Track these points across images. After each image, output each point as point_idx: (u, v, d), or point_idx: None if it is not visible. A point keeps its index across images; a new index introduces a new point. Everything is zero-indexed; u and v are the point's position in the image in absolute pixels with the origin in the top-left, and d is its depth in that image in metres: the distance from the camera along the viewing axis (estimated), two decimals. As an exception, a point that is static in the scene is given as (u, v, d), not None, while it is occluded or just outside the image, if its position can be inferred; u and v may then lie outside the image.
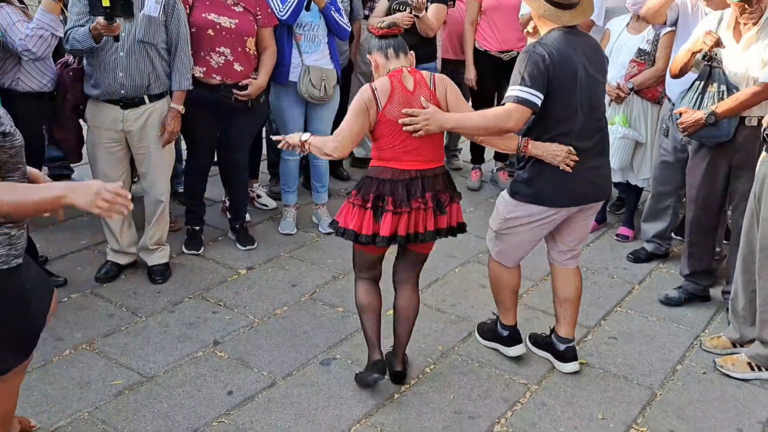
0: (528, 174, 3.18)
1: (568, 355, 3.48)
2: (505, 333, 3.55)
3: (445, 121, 3.04)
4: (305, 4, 4.42)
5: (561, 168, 3.08)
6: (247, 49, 4.23)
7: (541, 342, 3.61)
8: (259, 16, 4.24)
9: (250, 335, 3.70)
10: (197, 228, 4.55)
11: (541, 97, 2.97)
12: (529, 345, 3.63)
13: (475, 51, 5.44)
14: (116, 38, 3.64)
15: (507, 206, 3.29)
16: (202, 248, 4.52)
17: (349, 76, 5.58)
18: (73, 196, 2.01)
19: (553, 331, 3.56)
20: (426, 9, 5.01)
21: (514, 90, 2.99)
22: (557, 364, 3.50)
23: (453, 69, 5.70)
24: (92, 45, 3.63)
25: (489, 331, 3.64)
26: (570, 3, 3.03)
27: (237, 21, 4.15)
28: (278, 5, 4.36)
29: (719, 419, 3.23)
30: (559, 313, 3.51)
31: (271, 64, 4.37)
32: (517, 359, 3.53)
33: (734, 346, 3.68)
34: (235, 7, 4.16)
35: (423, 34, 5.14)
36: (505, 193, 3.32)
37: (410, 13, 5.07)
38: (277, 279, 4.25)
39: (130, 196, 2.05)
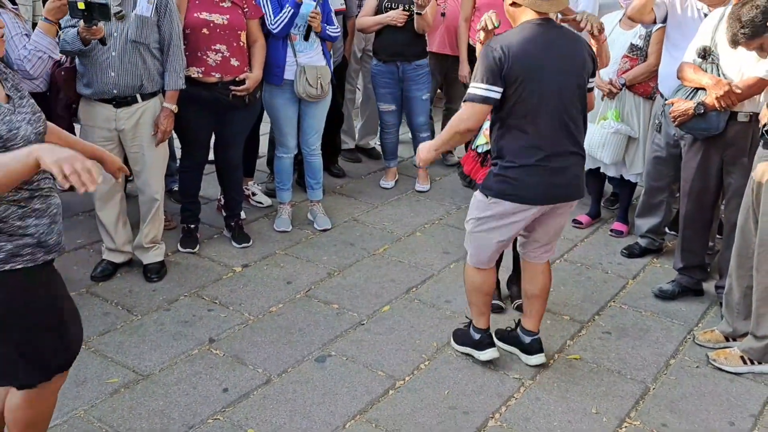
0: (498, 170, 3.14)
1: (534, 348, 3.49)
2: (477, 336, 3.49)
3: (431, 149, 3.25)
4: (304, 34, 4.46)
5: None
6: (242, 43, 4.25)
7: (507, 336, 3.62)
8: (246, 9, 4.26)
9: (245, 333, 3.71)
10: (192, 226, 4.56)
11: (498, 90, 2.95)
12: (496, 341, 3.60)
13: (470, 48, 5.44)
14: (102, 41, 3.64)
15: (479, 204, 3.25)
16: (198, 246, 4.53)
17: (343, 72, 5.60)
18: (42, 152, 1.93)
19: (518, 324, 3.58)
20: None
21: (471, 87, 3.01)
22: (523, 357, 3.52)
23: (449, 65, 5.72)
24: (81, 47, 3.64)
25: (462, 335, 3.58)
26: None
27: (228, 16, 4.17)
28: (270, 17, 4.37)
29: (712, 413, 3.25)
30: (525, 306, 3.53)
31: (263, 56, 4.39)
32: (492, 362, 3.48)
33: (727, 339, 3.70)
34: (224, 3, 4.18)
35: (420, 31, 5.16)
36: (477, 192, 3.28)
37: (404, 10, 5.08)
38: (272, 276, 4.26)
39: (99, 180, 1.93)
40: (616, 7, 4.94)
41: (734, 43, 3.26)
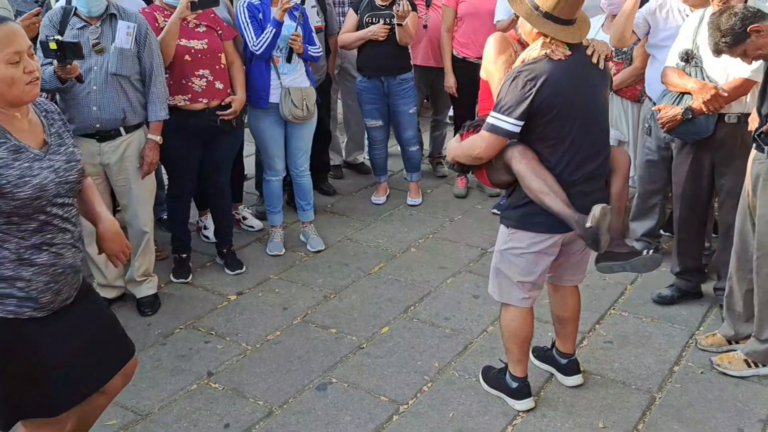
0: (515, 199, 3.02)
1: (571, 369, 3.45)
2: (515, 385, 3.28)
3: (451, 152, 3.08)
4: (287, 56, 4.42)
5: None
6: (222, 65, 4.22)
7: (543, 355, 3.57)
8: (220, 32, 4.23)
9: (243, 364, 3.65)
10: (184, 255, 4.50)
11: (520, 124, 2.80)
12: (532, 358, 3.56)
13: (454, 59, 5.42)
14: (79, 79, 3.58)
15: (501, 237, 3.11)
16: (191, 276, 4.47)
17: (328, 90, 5.55)
18: (106, 231, 2.47)
19: (554, 344, 3.53)
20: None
21: (492, 116, 2.84)
22: (560, 377, 3.48)
23: (434, 77, 5.69)
24: (58, 86, 3.58)
25: (495, 378, 3.39)
26: (570, 19, 2.81)
27: (207, 40, 4.14)
28: (252, 39, 4.33)
29: (720, 420, 3.22)
30: (557, 329, 3.46)
31: (243, 76, 4.36)
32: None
33: (729, 343, 3.67)
34: (199, 28, 4.14)
35: (402, 44, 5.12)
36: (501, 225, 3.13)
37: (385, 23, 5.04)
38: (267, 303, 4.21)
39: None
40: (596, 11, 4.94)
41: (717, 52, 3.24)
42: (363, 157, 6.23)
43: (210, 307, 4.18)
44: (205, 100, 4.15)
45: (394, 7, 4.90)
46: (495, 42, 3.14)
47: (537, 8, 2.79)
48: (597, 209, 2.73)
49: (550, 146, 2.87)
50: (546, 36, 2.83)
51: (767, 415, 3.24)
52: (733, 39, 3.13)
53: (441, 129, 6.14)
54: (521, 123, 2.81)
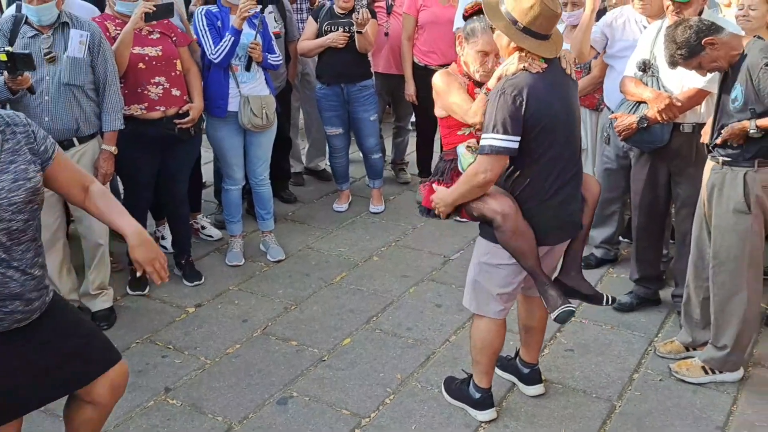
0: None
1: (532, 379, 3.45)
2: (478, 395, 3.28)
3: (448, 203, 2.99)
4: (246, 65, 4.36)
5: None
6: (178, 72, 4.16)
7: (506, 364, 3.57)
8: (174, 38, 4.16)
9: (202, 378, 3.59)
10: (141, 267, 4.40)
11: (518, 140, 2.76)
12: (495, 369, 3.57)
13: (416, 66, 5.41)
14: (30, 90, 3.49)
15: (481, 249, 3.08)
16: (147, 288, 4.38)
17: (288, 97, 5.50)
18: (136, 244, 2.36)
19: (517, 353, 3.53)
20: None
21: (487, 138, 2.78)
22: (521, 386, 3.48)
23: (396, 84, 5.68)
24: (9, 96, 3.48)
25: (458, 389, 3.37)
26: (547, 34, 2.80)
27: (161, 47, 4.07)
28: (210, 47, 4.26)
29: (678, 427, 3.26)
30: (523, 338, 3.47)
31: (200, 83, 4.30)
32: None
33: (687, 349, 3.72)
34: (152, 35, 4.07)
35: (362, 51, 5.10)
36: (480, 238, 3.09)
37: (344, 31, 5.01)
38: (227, 315, 4.14)
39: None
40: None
41: (673, 64, 3.28)
42: (324, 164, 6.19)
43: (167, 320, 4.10)
44: (162, 108, 4.08)
45: (353, 15, 4.87)
46: (441, 78, 3.12)
47: (515, 23, 2.79)
48: (565, 309, 2.95)
49: (534, 159, 2.86)
50: (522, 50, 2.82)
51: (724, 422, 3.28)
52: (689, 51, 3.17)
53: (403, 136, 6.13)
54: (518, 138, 2.78)
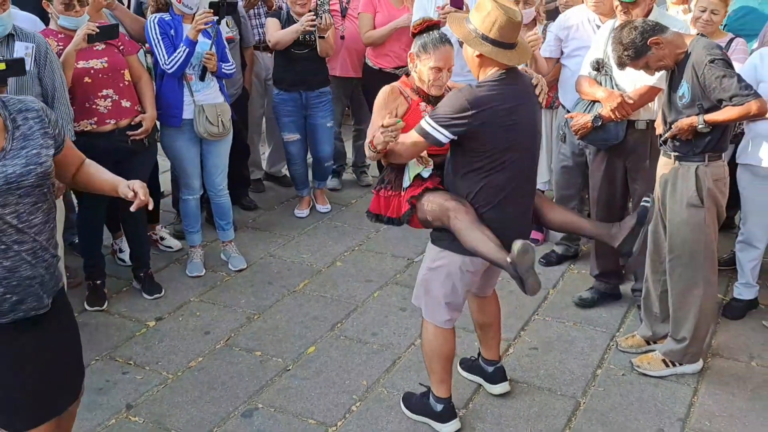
0: None
1: (497, 377, 3.47)
2: (439, 407, 3.22)
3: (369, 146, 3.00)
4: (200, 75, 4.30)
5: None
6: (127, 82, 4.08)
7: (471, 365, 3.59)
8: (122, 47, 4.08)
9: (164, 394, 3.53)
10: (98, 282, 4.32)
11: (449, 136, 2.80)
12: (459, 370, 3.60)
13: (371, 69, 5.40)
14: None
15: (431, 254, 3.08)
16: (106, 303, 4.29)
17: (245, 103, 5.45)
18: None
19: (480, 354, 3.54)
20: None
21: (427, 121, 2.83)
22: (487, 386, 3.49)
23: (354, 87, 5.67)
24: None
25: (418, 404, 3.31)
26: (510, 42, 2.81)
27: (106, 58, 3.98)
28: (163, 57, 4.19)
29: (641, 421, 3.30)
30: (480, 336, 3.49)
31: (152, 92, 4.23)
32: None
33: (648, 343, 3.77)
34: (97, 47, 3.97)
35: (323, 55, 5.09)
36: (431, 244, 3.09)
37: (307, 39, 4.97)
38: (188, 328, 4.08)
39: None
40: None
41: (621, 65, 3.33)
42: (286, 170, 6.14)
43: (127, 335, 4.02)
44: (112, 121, 4.00)
45: (316, 20, 4.84)
46: (380, 96, 3.11)
47: (476, 32, 2.81)
48: (517, 245, 2.69)
49: (490, 166, 2.86)
50: (483, 58, 2.84)
51: (685, 414, 3.33)
52: (635, 52, 3.21)
53: (363, 139, 6.08)
54: (452, 137, 2.82)
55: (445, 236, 2.98)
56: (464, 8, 4.63)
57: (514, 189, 2.92)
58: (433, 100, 3.06)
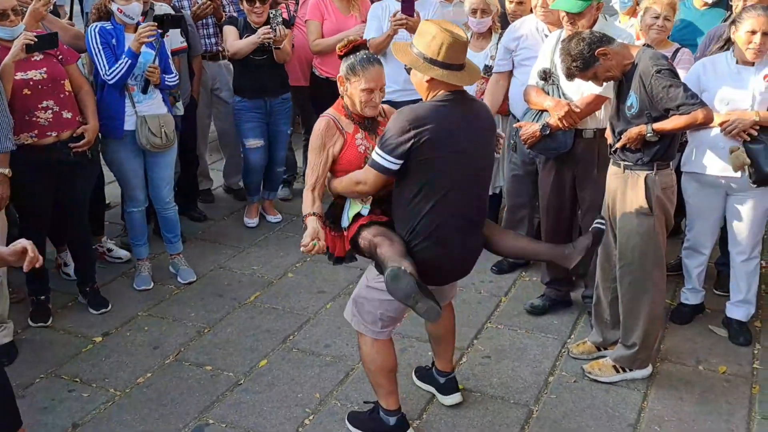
0: None
1: (449, 388, 3.46)
2: (392, 420, 3.16)
3: (333, 190, 3.03)
4: (142, 87, 4.21)
5: None
6: (67, 92, 3.96)
7: (425, 374, 3.58)
8: (60, 57, 3.97)
9: (112, 412, 3.43)
10: (42, 297, 4.19)
11: (398, 163, 2.77)
12: (414, 379, 3.59)
13: (318, 78, 5.37)
14: None
15: (371, 273, 3.03)
16: (51, 318, 4.16)
17: (193, 113, 5.36)
18: None
19: (433, 364, 3.54)
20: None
21: (377, 151, 2.82)
22: (439, 397, 3.49)
23: (304, 96, 5.62)
24: None
25: (368, 421, 3.23)
26: (458, 63, 2.80)
27: (46, 69, 3.86)
28: (104, 67, 4.09)
29: (593, 427, 3.33)
30: (434, 348, 3.48)
31: (93, 102, 4.12)
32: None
33: (599, 349, 3.82)
34: (35, 57, 3.84)
35: (280, 61, 5.06)
36: (372, 265, 3.04)
37: (264, 47, 4.93)
38: (136, 343, 3.98)
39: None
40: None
41: (570, 76, 3.38)
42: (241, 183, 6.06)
43: (73, 351, 3.90)
44: (54, 133, 3.89)
45: (271, 33, 4.80)
46: (314, 132, 3.04)
47: (423, 56, 2.80)
48: (388, 270, 2.67)
49: (430, 200, 2.84)
50: (433, 82, 2.82)
51: (636, 419, 3.38)
52: (583, 63, 3.26)
53: (313, 148, 6.06)
54: (400, 162, 2.78)
55: None
56: (415, 16, 4.66)
57: (456, 224, 2.89)
58: (368, 124, 3.04)
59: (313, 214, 2.95)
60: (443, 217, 2.86)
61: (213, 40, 5.46)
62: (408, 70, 2.92)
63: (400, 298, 2.65)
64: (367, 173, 2.88)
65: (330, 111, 3.08)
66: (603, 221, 3.07)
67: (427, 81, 2.83)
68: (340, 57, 3.02)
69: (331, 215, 3.11)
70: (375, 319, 3.06)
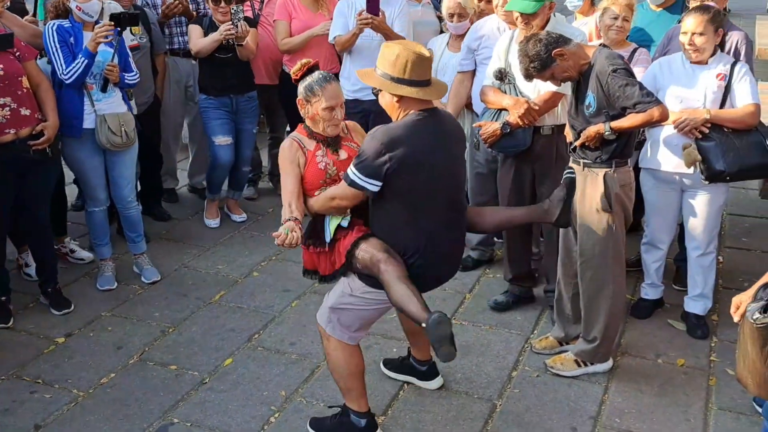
0: None
1: (432, 374, 3.57)
2: (363, 421, 3.16)
3: (310, 209, 3.04)
4: (101, 86, 4.17)
5: None
6: (25, 89, 3.91)
7: (399, 366, 3.63)
8: (18, 53, 3.91)
9: (75, 413, 3.40)
10: (3, 298, 4.13)
11: (377, 184, 2.81)
12: (386, 371, 3.64)
13: (288, 75, 5.34)
14: None
15: (353, 284, 3.02)
16: (11, 320, 4.11)
17: (157, 111, 5.32)
18: None
19: (410, 354, 3.60)
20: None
21: (353, 168, 2.84)
22: (423, 384, 3.57)
23: (269, 95, 5.61)
24: None
25: (336, 425, 3.20)
26: (424, 80, 2.85)
27: (2, 66, 3.80)
28: (61, 66, 4.04)
29: (555, 421, 3.39)
30: (411, 341, 3.56)
31: (53, 99, 4.06)
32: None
33: (561, 344, 3.88)
34: None
35: (244, 59, 5.05)
36: (354, 275, 3.02)
37: (228, 44, 4.91)
38: (100, 343, 3.94)
39: None
40: (432, 25, 5.08)
41: (528, 77, 3.44)
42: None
43: (35, 352, 3.86)
44: (12, 131, 3.83)
45: (233, 29, 4.79)
46: (284, 153, 3.07)
47: (389, 77, 2.83)
48: (433, 316, 2.64)
49: (409, 215, 2.89)
50: (403, 101, 2.86)
51: (597, 412, 3.45)
52: (541, 64, 3.32)
53: (278, 147, 6.03)
54: (379, 183, 2.82)
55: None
56: (380, 15, 4.68)
57: (443, 232, 2.95)
58: (331, 142, 3.06)
59: (290, 219, 2.91)
60: (429, 228, 2.92)
61: (186, 38, 5.42)
62: (376, 94, 2.95)
63: (434, 341, 2.68)
64: (345, 190, 2.89)
65: (294, 133, 3.14)
66: (572, 170, 3.18)
67: (397, 101, 2.87)
68: (296, 81, 3.04)
69: (311, 232, 3.10)
70: (353, 326, 3.09)
